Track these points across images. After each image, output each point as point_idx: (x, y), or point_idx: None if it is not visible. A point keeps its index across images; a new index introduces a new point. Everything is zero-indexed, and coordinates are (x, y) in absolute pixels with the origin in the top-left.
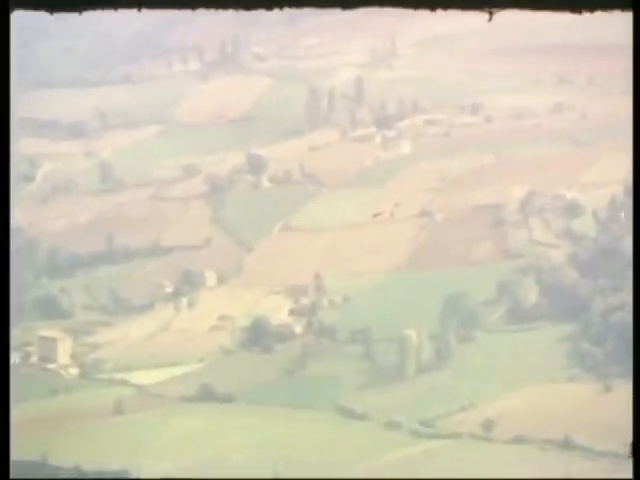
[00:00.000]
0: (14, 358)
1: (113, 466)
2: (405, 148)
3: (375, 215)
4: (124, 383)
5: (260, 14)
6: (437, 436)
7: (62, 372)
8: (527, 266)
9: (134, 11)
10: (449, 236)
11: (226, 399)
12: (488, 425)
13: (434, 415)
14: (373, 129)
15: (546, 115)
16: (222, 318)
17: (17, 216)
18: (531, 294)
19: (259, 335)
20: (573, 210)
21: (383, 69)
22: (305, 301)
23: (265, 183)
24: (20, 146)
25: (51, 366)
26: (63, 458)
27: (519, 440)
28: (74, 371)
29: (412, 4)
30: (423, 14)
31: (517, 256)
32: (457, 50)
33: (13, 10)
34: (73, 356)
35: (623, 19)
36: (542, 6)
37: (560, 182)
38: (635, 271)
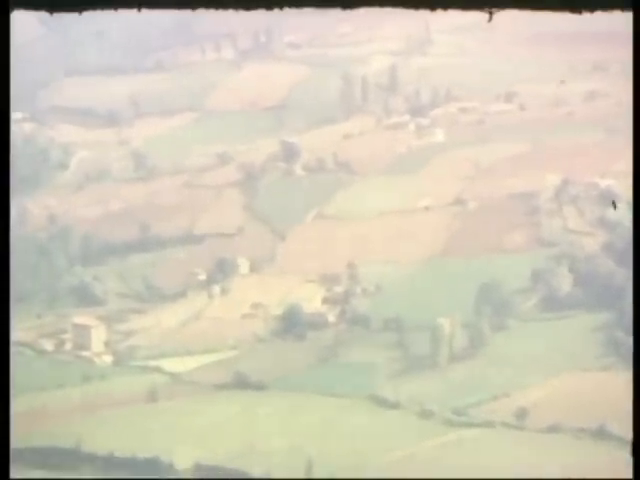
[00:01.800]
0: (48, 345)
1: (146, 453)
2: (439, 136)
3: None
4: (157, 370)
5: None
6: (470, 425)
7: (96, 359)
8: (561, 254)
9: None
10: (483, 224)
11: (259, 387)
12: (521, 414)
13: (467, 404)
14: (407, 117)
15: (580, 103)
16: (255, 306)
17: (51, 204)
18: (565, 283)
19: (292, 323)
20: (608, 198)
21: (417, 57)
22: (338, 289)
23: (298, 171)
24: (54, 134)
25: (85, 353)
26: (97, 445)
27: (553, 429)
28: (108, 358)
29: (412, 4)
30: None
31: (551, 244)
32: (491, 37)
33: (13, 10)
34: (107, 343)
35: None
36: (542, 6)
37: (594, 170)
38: (635, 270)
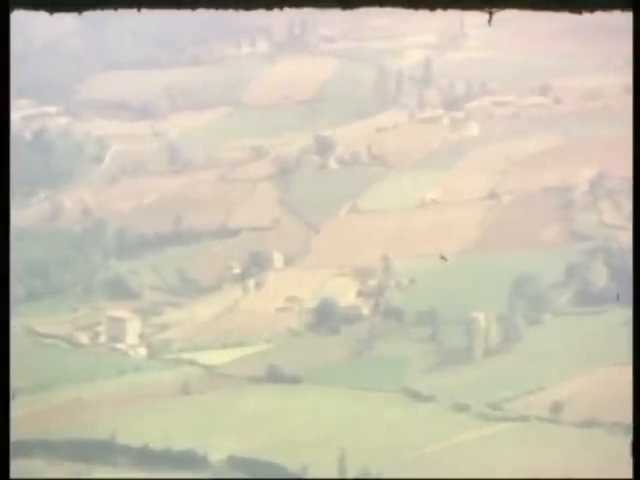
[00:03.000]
0: (83, 338)
1: (181, 445)
2: (473, 130)
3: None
4: (192, 363)
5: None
6: (505, 419)
7: (130, 352)
8: (596, 249)
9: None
10: (517, 218)
11: (293, 380)
12: (556, 408)
13: (502, 398)
14: (441, 111)
15: (616, 96)
16: (289, 299)
17: (86, 197)
18: (600, 277)
19: (326, 317)
20: None
21: (451, 50)
22: (372, 283)
23: (332, 165)
24: (89, 127)
25: (119, 346)
26: (131, 437)
27: (588, 423)
28: (142, 351)
29: (412, 4)
30: None
31: (586, 238)
32: (526, 30)
33: (13, 10)
34: (141, 336)
35: None
36: (542, 6)
37: (630, 164)
38: (635, 269)
